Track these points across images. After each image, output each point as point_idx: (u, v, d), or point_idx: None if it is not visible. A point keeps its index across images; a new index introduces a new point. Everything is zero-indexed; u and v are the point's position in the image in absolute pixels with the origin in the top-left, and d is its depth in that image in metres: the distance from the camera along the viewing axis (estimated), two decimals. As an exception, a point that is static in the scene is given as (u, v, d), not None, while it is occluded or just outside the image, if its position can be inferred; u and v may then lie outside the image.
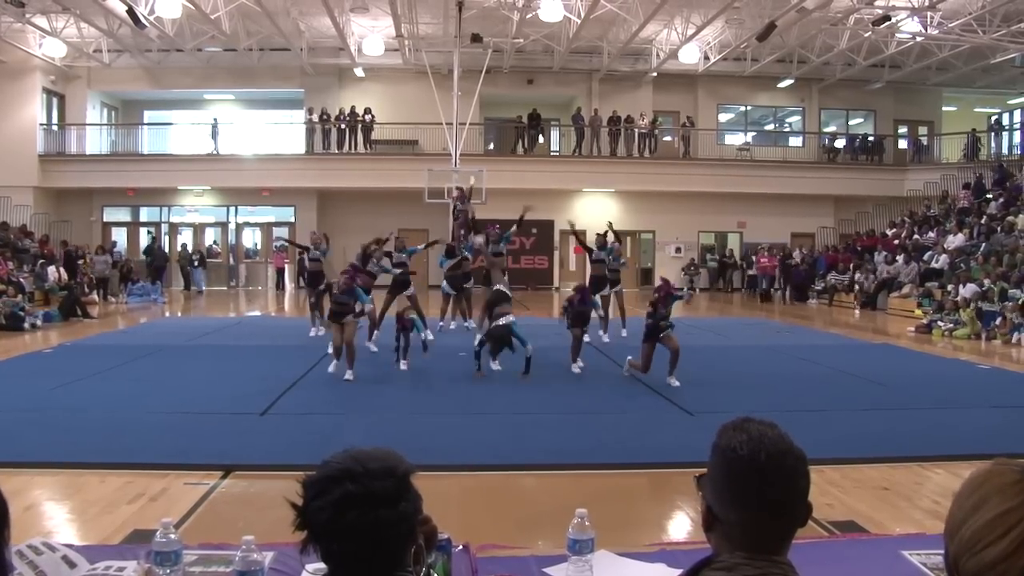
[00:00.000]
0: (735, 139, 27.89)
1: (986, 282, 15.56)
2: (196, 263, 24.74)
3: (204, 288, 24.37)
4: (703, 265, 26.34)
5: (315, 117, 24.86)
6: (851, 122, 28.42)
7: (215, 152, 24.77)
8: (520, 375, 8.90)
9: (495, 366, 9.18)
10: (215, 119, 25.29)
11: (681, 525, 4.62)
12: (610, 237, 13.04)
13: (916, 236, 21.92)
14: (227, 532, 3.73)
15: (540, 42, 23.32)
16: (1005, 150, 26.05)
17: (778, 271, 24.13)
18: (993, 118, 27.41)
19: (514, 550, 3.31)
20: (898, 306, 19.00)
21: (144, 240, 26.09)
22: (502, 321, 8.96)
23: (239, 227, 26.90)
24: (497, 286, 9.86)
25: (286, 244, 18.29)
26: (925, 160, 26.91)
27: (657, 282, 9.73)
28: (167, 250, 25.30)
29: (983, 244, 18.70)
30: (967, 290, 15.55)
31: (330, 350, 9.19)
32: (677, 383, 8.54)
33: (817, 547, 3.29)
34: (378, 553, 1.38)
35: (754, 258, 24.65)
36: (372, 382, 8.78)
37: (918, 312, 16.99)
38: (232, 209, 26.57)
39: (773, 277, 24.07)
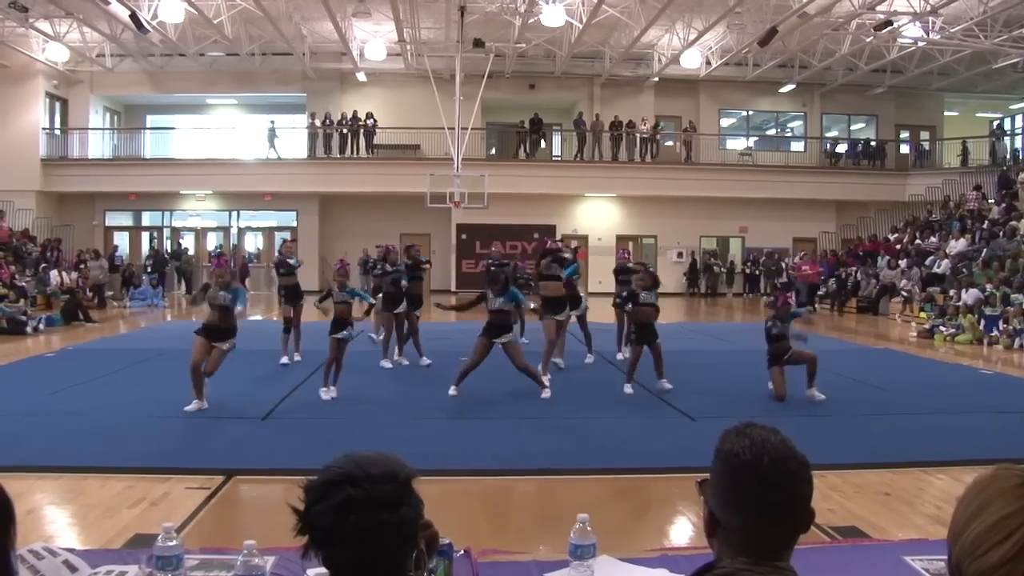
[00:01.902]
0: (737, 144, 27.88)
1: (988, 287, 15.54)
2: (148, 267, 22.79)
3: (117, 303, 21.34)
4: (705, 271, 26.32)
5: (317, 121, 24.90)
6: (853, 127, 28.42)
7: (277, 158, 24.78)
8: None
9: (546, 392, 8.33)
10: (272, 122, 25.02)
11: (683, 530, 4.61)
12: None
13: (918, 241, 21.90)
14: (228, 536, 3.73)
15: (542, 47, 23.35)
16: (1007, 154, 26.04)
17: (832, 281, 21.61)
18: (995, 123, 27.42)
19: (516, 555, 3.31)
20: (900, 311, 18.97)
21: (146, 244, 26.14)
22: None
23: (241, 231, 26.94)
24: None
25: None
26: (927, 165, 26.92)
27: (768, 295, 8.55)
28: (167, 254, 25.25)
29: (985, 249, 18.68)
30: (969, 295, 15.53)
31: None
32: (821, 396, 8.07)
33: (819, 553, 3.29)
34: (379, 558, 1.38)
35: (786, 262, 22.96)
36: (373, 387, 8.77)
37: (922, 315, 16.97)
38: (234, 213, 26.61)
39: (815, 286, 21.52)
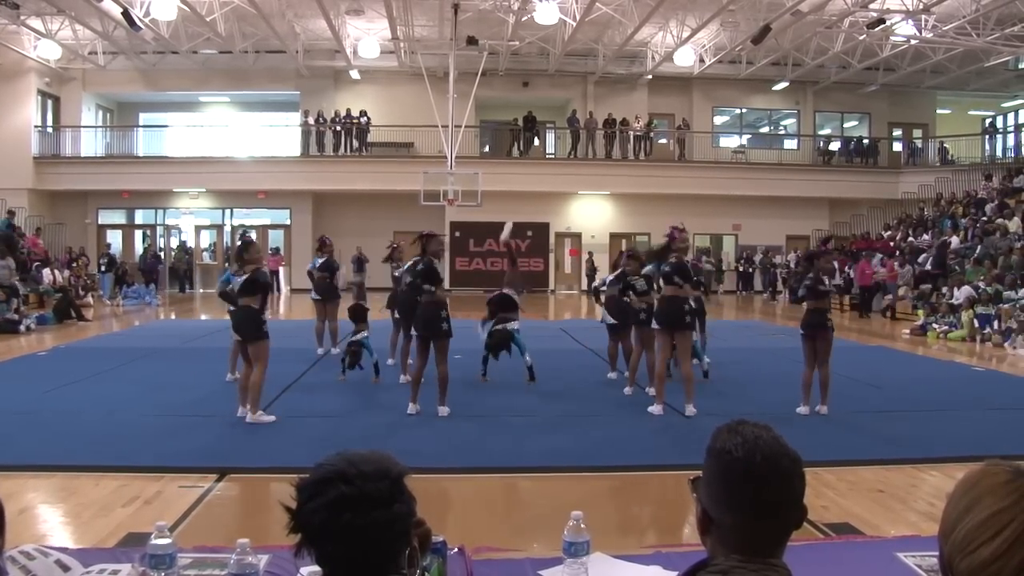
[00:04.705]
0: (730, 142, 27.95)
1: (981, 284, 15.58)
2: (103, 267, 22.15)
3: (110, 301, 20.86)
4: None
5: (311, 119, 24.84)
6: (846, 125, 28.51)
7: (365, 152, 24.64)
8: (527, 381, 8.75)
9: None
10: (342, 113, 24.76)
11: (676, 528, 4.62)
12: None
13: (911, 239, 21.96)
14: (222, 535, 3.72)
15: (535, 45, 23.34)
16: (999, 152, 26.15)
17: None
18: (987, 121, 27.53)
19: (510, 553, 3.31)
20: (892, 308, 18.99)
21: (140, 242, 26.08)
22: (508, 326, 8.85)
23: (234, 229, 26.86)
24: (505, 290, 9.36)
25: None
26: (919, 163, 27.02)
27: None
28: (161, 253, 25.19)
29: (978, 247, 18.72)
30: (961, 293, 15.56)
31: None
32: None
33: (812, 549, 3.29)
34: (372, 555, 1.38)
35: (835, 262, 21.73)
36: (367, 385, 8.76)
37: (919, 313, 16.99)
38: (227, 211, 26.54)
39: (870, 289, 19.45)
